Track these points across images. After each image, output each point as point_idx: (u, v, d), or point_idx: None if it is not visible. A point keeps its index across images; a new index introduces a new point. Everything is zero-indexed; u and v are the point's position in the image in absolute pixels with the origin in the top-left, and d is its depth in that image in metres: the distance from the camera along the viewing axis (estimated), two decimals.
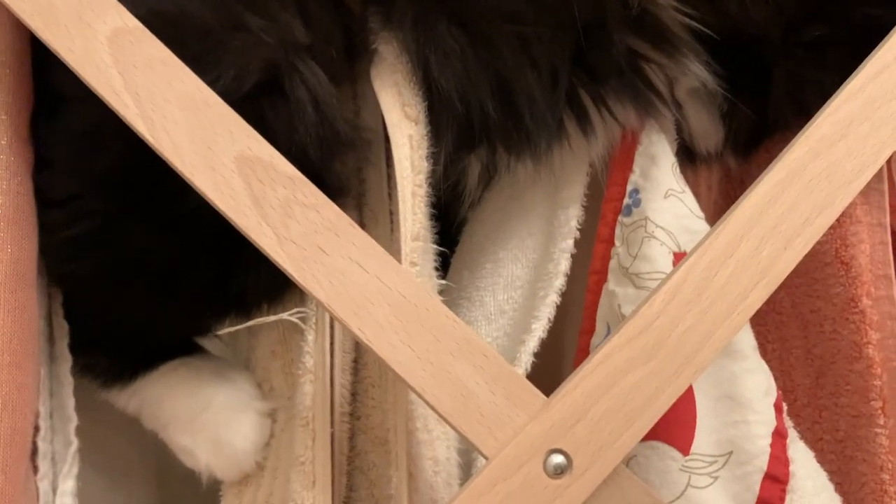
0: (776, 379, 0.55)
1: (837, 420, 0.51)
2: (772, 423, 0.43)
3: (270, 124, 0.39)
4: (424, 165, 0.43)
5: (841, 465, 0.50)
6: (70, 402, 0.45)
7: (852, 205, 0.50)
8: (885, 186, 0.50)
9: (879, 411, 0.48)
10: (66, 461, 0.45)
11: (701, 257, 0.35)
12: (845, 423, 0.50)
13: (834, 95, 0.39)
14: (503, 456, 0.32)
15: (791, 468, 0.42)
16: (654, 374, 0.34)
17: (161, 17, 0.39)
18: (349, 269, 0.35)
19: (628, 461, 0.44)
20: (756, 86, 0.49)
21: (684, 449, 0.42)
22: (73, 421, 0.45)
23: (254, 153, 0.36)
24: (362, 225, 0.47)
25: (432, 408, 0.34)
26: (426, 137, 0.43)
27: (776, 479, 0.42)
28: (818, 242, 0.51)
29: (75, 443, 0.45)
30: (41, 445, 0.43)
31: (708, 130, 0.51)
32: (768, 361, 0.56)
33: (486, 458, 0.34)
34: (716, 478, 0.42)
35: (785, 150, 0.37)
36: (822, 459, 0.51)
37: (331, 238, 0.35)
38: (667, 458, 0.42)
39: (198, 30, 0.39)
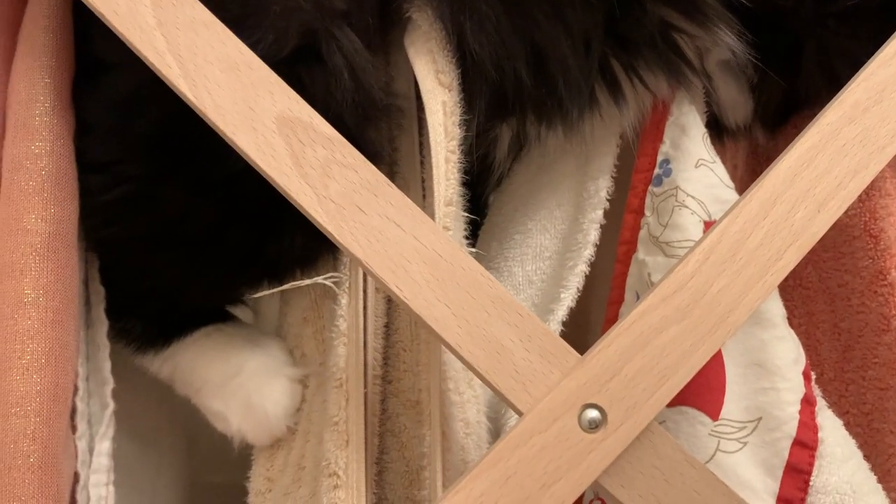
0: (807, 351, 0.56)
1: (864, 393, 0.51)
2: (801, 390, 0.43)
3: (308, 89, 0.40)
4: (457, 132, 0.43)
5: (868, 437, 0.51)
6: (106, 364, 0.46)
7: (881, 178, 0.50)
8: None
9: None
10: (102, 423, 0.46)
11: (735, 219, 0.35)
12: (872, 395, 0.51)
13: (868, 61, 0.39)
14: (539, 409, 0.33)
15: (820, 434, 0.43)
16: (687, 332, 0.34)
17: None
18: (386, 227, 0.36)
19: (660, 425, 0.44)
20: (787, 57, 0.49)
21: (714, 414, 0.43)
22: (110, 384, 0.46)
23: (294, 114, 0.37)
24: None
25: (467, 364, 0.34)
26: (459, 104, 0.44)
27: (805, 444, 0.42)
28: (847, 216, 0.51)
29: (111, 405, 0.46)
30: (79, 405, 0.44)
31: (737, 102, 0.51)
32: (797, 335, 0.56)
33: (520, 413, 0.34)
34: (745, 443, 0.43)
35: (819, 114, 0.37)
36: (850, 432, 0.52)
37: (368, 197, 0.36)
38: (696, 422, 0.43)
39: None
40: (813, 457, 0.42)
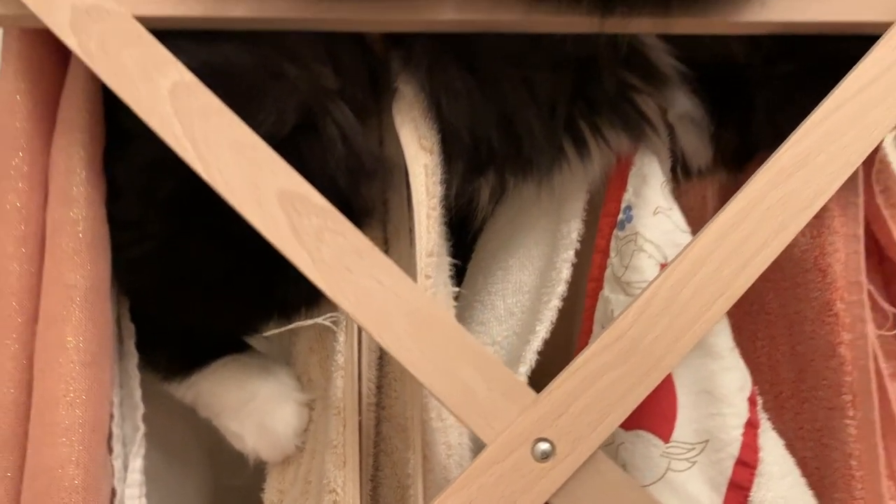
0: (766, 373, 0.61)
1: (816, 411, 0.57)
2: (745, 415, 0.49)
3: (306, 158, 0.46)
4: (438, 190, 0.49)
5: (818, 451, 0.56)
6: (137, 392, 0.53)
7: (830, 217, 0.55)
8: (861, 200, 0.55)
9: (849, 404, 0.53)
10: (134, 443, 0.52)
11: (668, 277, 0.41)
12: (822, 414, 0.56)
13: (795, 130, 0.44)
14: (497, 443, 0.39)
15: (760, 455, 0.48)
16: (626, 376, 0.40)
17: (213, 68, 0.46)
18: (371, 285, 0.42)
19: (618, 446, 0.50)
20: (741, 111, 0.54)
21: (665, 437, 0.48)
22: (140, 409, 0.53)
23: (292, 188, 0.43)
24: (386, 240, 0.54)
25: (440, 402, 0.41)
26: (440, 165, 0.49)
27: (746, 464, 0.48)
28: (800, 251, 0.57)
29: (142, 428, 0.52)
30: (115, 430, 0.51)
31: (698, 150, 0.57)
32: (758, 357, 0.62)
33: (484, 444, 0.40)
34: (694, 462, 0.48)
35: (748, 181, 0.43)
36: (804, 446, 0.57)
37: (356, 259, 0.42)
38: (650, 444, 0.48)
39: (243, 79, 0.46)
40: (753, 475, 0.48)
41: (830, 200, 0.54)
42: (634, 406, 0.40)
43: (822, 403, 0.56)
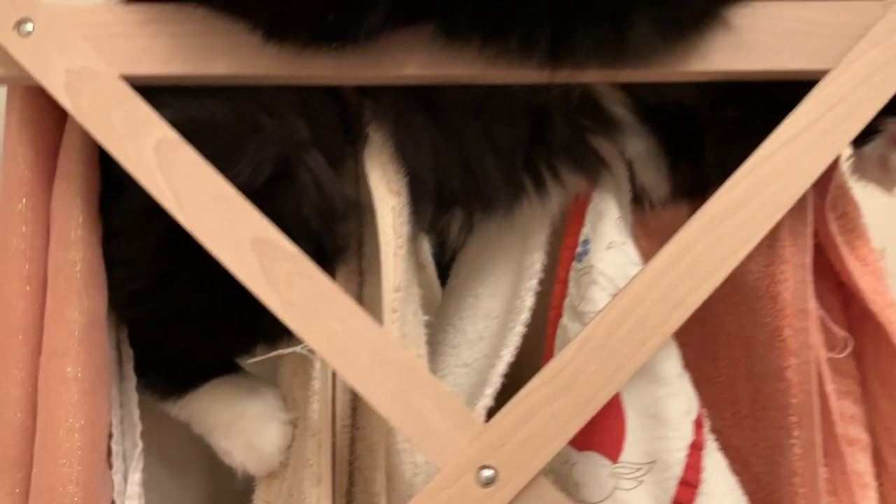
0: (726, 391, 0.65)
1: (768, 430, 0.60)
2: (689, 437, 0.53)
3: (280, 204, 0.50)
4: (405, 230, 0.53)
5: (770, 468, 0.60)
6: (135, 412, 0.58)
7: (781, 247, 0.59)
8: (810, 231, 0.58)
9: (795, 425, 0.57)
10: (133, 458, 0.57)
11: (605, 317, 0.45)
12: (773, 433, 0.59)
13: (729, 179, 0.48)
14: (445, 470, 0.43)
15: (703, 475, 0.52)
16: (564, 408, 0.44)
17: (195, 122, 0.50)
18: (336, 325, 0.46)
19: (571, 466, 0.54)
20: (693, 149, 0.58)
21: (614, 458, 0.52)
22: (138, 427, 0.58)
23: (264, 236, 0.47)
24: (361, 272, 0.58)
25: (398, 429, 0.45)
26: (406, 206, 0.54)
27: (689, 483, 0.52)
28: (753, 278, 0.60)
29: (140, 444, 0.57)
30: (114, 447, 0.56)
31: (656, 184, 0.60)
32: (719, 376, 0.66)
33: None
34: (641, 482, 0.52)
35: (682, 227, 0.46)
36: (758, 462, 0.61)
37: (322, 301, 0.47)
38: (599, 465, 0.52)
39: (223, 133, 0.51)
40: (694, 493, 0.52)
41: (783, 231, 0.58)
42: (571, 437, 0.44)
43: (773, 423, 0.59)
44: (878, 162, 0.59)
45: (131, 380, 0.58)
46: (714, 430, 0.64)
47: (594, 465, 0.53)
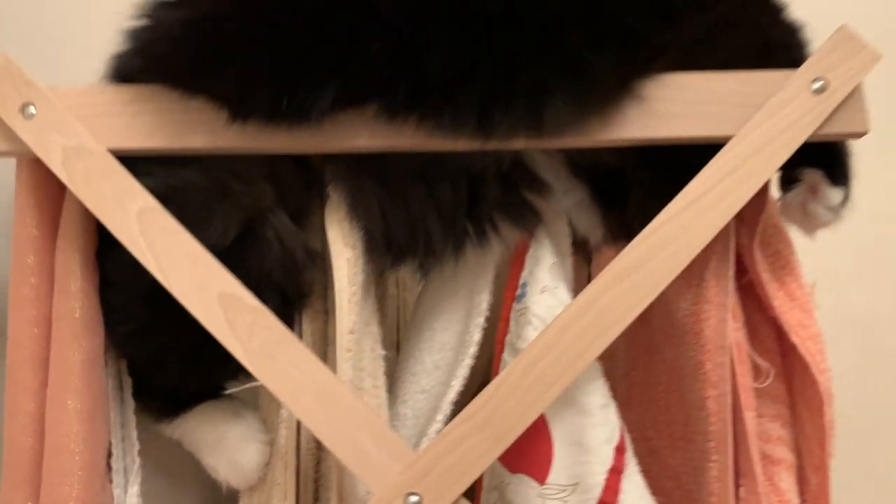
0: (664, 413, 0.72)
1: (694, 452, 0.67)
2: (609, 463, 0.59)
3: (247, 260, 0.58)
4: (359, 278, 0.61)
5: (695, 486, 0.66)
6: (133, 433, 0.66)
7: (706, 287, 0.65)
8: (731, 273, 0.64)
9: (713, 449, 0.63)
10: (132, 473, 0.66)
11: (519, 362, 0.52)
12: (697, 455, 0.66)
13: (632, 241, 0.54)
14: (379, 495, 0.51)
15: (620, 496, 0.59)
16: (482, 441, 0.51)
17: (173, 189, 0.58)
18: (289, 369, 0.54)
19: (506, 486, 0.61)
20: (620, 201, 0.64)
21: (541, 480, 0.59)
22: (136, 446, 0.66)
23: (229, 291, 0.55)
24: (327, 311, 0.66)
25: (340, 460, 0.53)
26: (361, 258, 0.61)
27: (605, 502, 0.59)
28: (682, 315, 0.67)
29: (138, 461, 0.66)
30: (114, 465, 0.65)
31: (592, 230, 0.67)
32: (659, 399, 0.72)
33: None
34: (565, 502, 0.59)
35: (587, 286, 0.53)
36: (688, 480, 0.68)
37: (278, 348, 0.54)
38: (528, 486, 0.59)
39: (197, 197, 0.58)
40: None
41: (708, 273, 0.64)
42: (487, 466, 0.51)
43: (697, 446, 0.66)
44: (799, 208, 0.65)
45: (130, 405, 0.67)
46: (653, 448, 0.71)
47: (525, 486, 0.60)
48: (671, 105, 0.57)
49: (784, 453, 0.69)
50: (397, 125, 0.57)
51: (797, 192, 0.64)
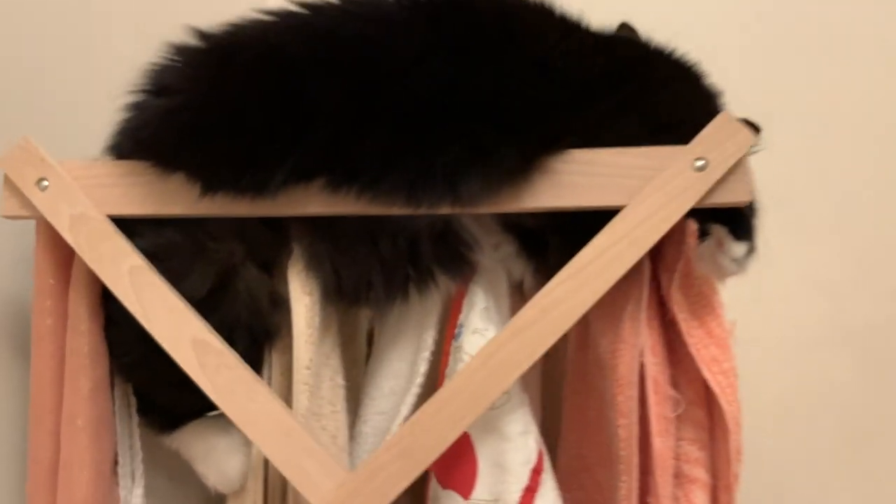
0: (594, 434, 0.81)
1: (613, 471, 0.76)
2: (524, 483, 0.69)
3: (219, 307, 0.70)
4: (316, 321, 0.72)
5: (613, 502, 0.76)
6: (137, 443, 0.79)
7: (622, 328, 0.74)
8: (643, 316, 0.73)
9: (623, 471, 0.72)
10: (137, 477, 0.79)
11: (431, 404, 0.62)
12: (614, 474, 0.75)
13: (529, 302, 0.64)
14: None
15: None
16: (401, 469, 0.62)
17: (158, 247, 0.70)
18: (247, 402, 0.65)
19: (437, 500, 0.72)
20: (543, 253, 0.74)
21: (466, 495, 0.70)
22: (140, 454, 0.79)
23: (200, 337, 0.67)
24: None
25: (286, 477, 0.64)
26: (317, 303, 0.72)
27: None
28: (604, 353, 0.76)
29: (141, 467, 0.79)
30: (121, 471, 0.78)
31: (524, 274, 0.76)
32: (591, 420, 0.82)
33: None
34: None
35: (489, 340, 0.63)
36: (610, 496, 0.77)
37: (240, 385, 0.66)
38: (455, 500, 0.70)
39: (177, 254, 0.70)
40: None
41: (625, 315, 0.73)
42: (405, 487, 0.62)
43: (615, 466, 0.75)
44: (709, 258, 0.74)
45: (135, 419, 0.79)
46: (587, 465, 0.81)
47: (452, 500, 0.70)
48: (577, 177, 0.66)
49: (700, 473, 0.78)
50: (341, 195, 0.67)
51: (707, 244, 0.73)
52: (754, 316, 1.49)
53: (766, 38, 1.27)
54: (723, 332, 0.77)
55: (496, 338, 0.63)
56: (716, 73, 0.72)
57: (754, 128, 0.83)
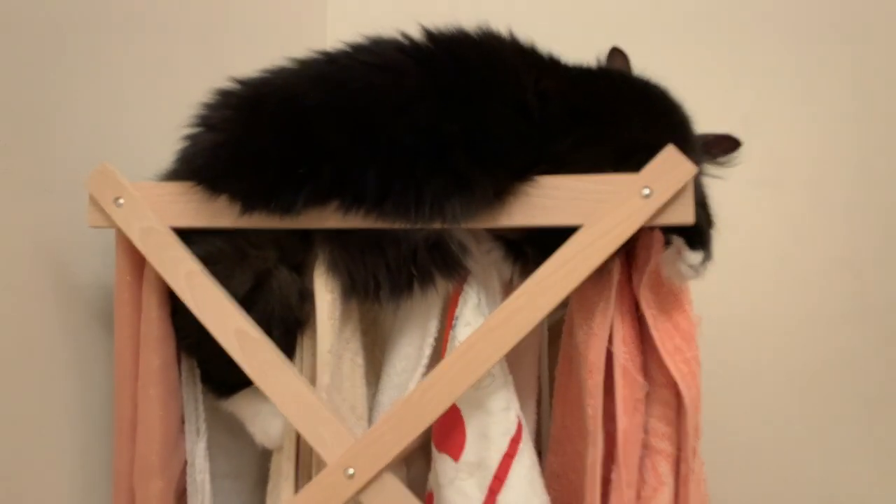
0: (577, 411, 0.94)
1: (587, 442, 0.90)
2: (504, 449, 0.84)
3: (257, 303, 0.86)
4: (337, 313, 0.87)
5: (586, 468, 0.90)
6: (201, 406, 0.97)
7: (595, 323, 0.87)
8: (611, 312, 0.86)
9: (591, 444, 0.86)
10: (201, 433, 0.98)
11: (417, 389, 0.77)
12: (584, 446, 0.89)
13: (500, 307, 0.78)
14: (327, 469, 0.79)
15: (509, 472, 0.83)
16: (396, 436, 0.77)
17: (209, 253, 0.87)
18: (278, 381, 0.82)
19: (434, 461, 0.87)
20: (524, 258, 0.87)
21: (456, 458, 0.85)
22: (203, 415, 0.98)
23: (241, 327, 0.83)
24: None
25: (306, 440, 0.81)
26: (337, 299, 0.87)
27: (499, 478, 0.83)
28: (581, 346, 0.89)
29: (204, 426, 0.97)
30: (186, 428, 0.96)
31: (512, 276, 0.90)
32: (574, 399, 0.95)
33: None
34: (472, 475, 0.85)
35: (467, 337, 0.77)
36: (584, 462, 0.91)
37: (271, 365, 0.82)
38: (446, 461, 0.85)
39: (224, 259, 0.87)
40: (501, 483, 0.83)
41: (597, 311, 0.86)
42: (398, 453, 0.77)
43: (583, 440, 0.89)
44: (671, 264, 0.86)
45: (199, 387, 0.98)
46: (570, 435, 0.94)
47: (444, 462, 0.86)
48: (547, 200, 0.79)
49: (665, 446, 0.91)
50: (352, 214, 0.82)
51: (670, 251, 0.85)
52: (782, 293, 1.59)
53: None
54: (689, 325, 0.89)
55: (470, 336, 0.78)
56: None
57: (734, 143, 0.94)
